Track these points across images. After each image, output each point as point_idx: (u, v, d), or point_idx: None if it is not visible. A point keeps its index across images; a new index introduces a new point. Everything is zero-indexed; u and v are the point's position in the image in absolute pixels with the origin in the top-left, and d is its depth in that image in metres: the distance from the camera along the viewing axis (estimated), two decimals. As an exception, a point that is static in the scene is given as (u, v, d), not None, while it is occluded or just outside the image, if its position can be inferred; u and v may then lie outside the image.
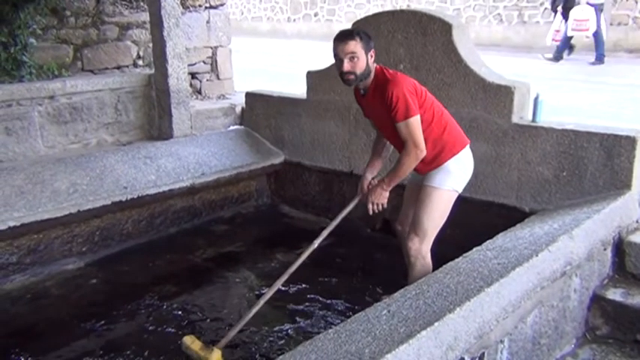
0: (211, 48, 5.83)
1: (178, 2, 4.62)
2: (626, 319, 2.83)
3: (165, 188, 4.19)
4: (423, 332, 1.91)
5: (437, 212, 2.86)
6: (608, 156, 3.19)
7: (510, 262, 2.41)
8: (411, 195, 3.08)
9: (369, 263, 3.88)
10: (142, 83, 4.78)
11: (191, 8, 5.58)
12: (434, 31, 3.71)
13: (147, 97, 4.82)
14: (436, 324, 1.95)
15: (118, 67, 5.25)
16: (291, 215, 4.89)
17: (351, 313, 2.90)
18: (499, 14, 12.62)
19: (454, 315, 2.02)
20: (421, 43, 3.79)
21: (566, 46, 10.13)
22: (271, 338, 3.04)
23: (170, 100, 4.66)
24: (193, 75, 5.67)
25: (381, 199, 2.89)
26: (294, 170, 4.90)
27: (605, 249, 2.95)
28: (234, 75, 6.12)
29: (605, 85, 7.55)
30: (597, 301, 2.91)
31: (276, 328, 3.12)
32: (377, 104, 2.79)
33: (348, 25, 3.88)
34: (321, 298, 3.42)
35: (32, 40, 4.55)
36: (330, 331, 1.99)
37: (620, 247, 3.03)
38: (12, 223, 3.50)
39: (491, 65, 3.77)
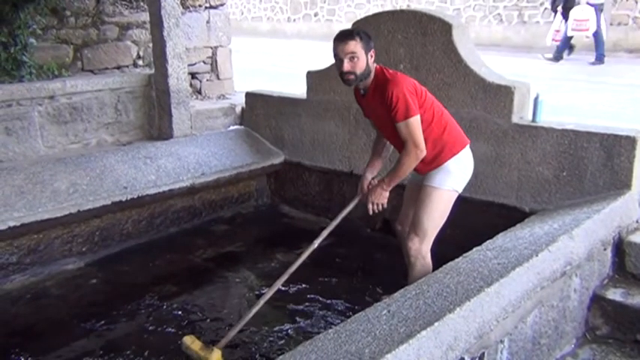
0: (211, 48, 5.83)
1: (178, 2, 4.62)
2: (626, 319, 2.83)
3: (165, 188, 4.19)
4: (423, 332, 1.91)
5: (437, 212, 2.86)
6: (608, 156, 3.19)
7: (510, 262, 2.41)
8: (411, 195, 3.08)
9: (369, 263, 3.88)
10: (142, 83, 4.78)
11: (191, 8, 5.58)
12: (434, 31, 3.71)
13: (147, 97, 4.81)
14: (436, 324, 1.95)
15: (118, 67, 5.26)
16: (291, 215, 4.89)
17: (351, 313, 2.90)
18: (499, 14, 12.62)
19: (454, 315, 2.02)
20: (421, 43, 3.79)
21: (566, 46, 10.14)
22: (271, 338, 3.04)
23: (170, 100, 4.66)
24: (193, 75, 5.67)
25: (381, 199, 2.89)
26: (294, 170, 4.90)
27: (605, 249, 2.95)
28: (234, 75, 6.12)
29: (605, 85, 7.56)
30: (597, 301, 2.91)
31: (276, 328, 3.12)
32: (377, 104, 2.79)
33: (348, 25, 3.88)
34: (321, 298, 3.42)
35: (32, 40, 4.55)
36: (330, 331, 1.99)
37: (620, 247, 3.03)
38: (12, 223, 3.49)
39: (491, 65, 3.77)
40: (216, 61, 5.88)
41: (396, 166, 2.80)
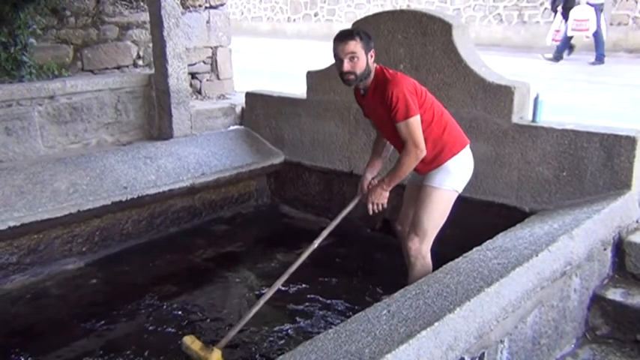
0: (211, 48, 5.83)
1: (178, 2, 4.62)
2: (626, 319, 2.82)
3: (165, 188, 4.19)
4: (423, 332, 1.91)
5: (437, 212, 2.86)
6: (608, 156, 3.19)
7: (510, 262, 2.41)
8: (411, 195, 3.08)
9: (369, 263, 3.88)
10: (142, 83, 4.78)
11: (191, 8, 5.58)
12: (434, 31, 3.71)
13: (147, 97, 4.81)
14: (436, 324, 1.95)
15: (118, 67, 5.26)
16: (291, 215, 4.89)
17: (351, 313, 2.90)
18: (499, 14, 12.62)
19: (454, 315, 2.02)
20: (421, 43, 3.79)
21: (566, 46, 10.14)
22: (271, 338, 3.04)
23: (170, 100, 4.66)
24: (193, 75, 5.67)
25: (381, 199, 2.89)
26: (294, 170, 4.89)
27: (605, 249, 2.95)
28: (234, 75, 6.12)
29: (605, 85, 7.55)
30: (597, 301, 2.91)
31: (276, 328, 3.12)
32: (377, 104, 2.79)
33: (348, 25, 3.88)
34: (321, 298, 3.42)
35: (32, 40, 4.54)
36: (330, 331, 1.99)
37: (620, 247, 3.03)
38: (12, 223, 3.49)
39: (491, 65, 3.77)
40: (216, 61, 5.88)
41: (396, 166, 2.80)
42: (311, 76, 4.59)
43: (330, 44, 2.74)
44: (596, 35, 9.64)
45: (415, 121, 2.68)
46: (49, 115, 4.31)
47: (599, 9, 9.61)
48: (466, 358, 2.06)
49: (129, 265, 3.96)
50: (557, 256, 2.54)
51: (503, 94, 3.50)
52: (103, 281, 3.75)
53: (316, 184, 4.78)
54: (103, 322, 3.23)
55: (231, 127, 5.20)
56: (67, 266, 3.88)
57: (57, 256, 3.86)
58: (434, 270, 2.64)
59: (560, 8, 10.24)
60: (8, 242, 3.63)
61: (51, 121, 4.33)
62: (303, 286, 3.51)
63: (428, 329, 1.92)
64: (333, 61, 2.83)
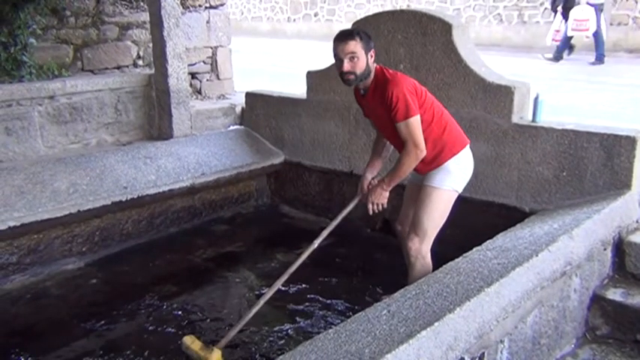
0: (211, 48, 5.84)
1: (178, 2, 4.62)
2: (626, 319, 2.82)
3: (165, 188, 4.19)
4: (423, 332, 1.91)
5: (437, 212, 2.86)
6: (608, 156, 3.19)
7: (510, 262, 2.41)
8: (411, 195, 3.08)
9: (369, 263, 3.88)
10: (142, 83, 4.78)
11: (191, 8, 5.58)
12: (434, 31, 3.71)
13: (147, 97, 4.81)
14: (436, 324, 1.95)
15: (118, 67, 5.26)
16: (291, 215, 4.89)
17: (351, 313, 2.90)
18: (499, 14, 12.62)
19: (454, 315, 2.02)
20: (421, 43, 3.79)
21: (566, 46, 10.14)
22: (271, 338, 3.04)
23: (170, 100, 4.66)
24: (193, 75, 5.67)
25: (381, 199, 2.89)
26: (294, 170, 4.89)
27: (605, 249, 2.95)
28: (234, 75, 6.12)
29: (605, 85, 7.55)
30: (597, 301, 2.91)
31: (276, 328, 3.12)
32: (377, 104, 2.79)
33: (348, 25, 3.88)
34: (321, 298, 3.42)
35: (32, 40, 4.54)
36: (330, 331, 1.99)
37: (620, 247, 3.03)
38: (12, 223, 3.49)
39: (491, 65, 3.77)
40: (216, 61, 5.88)
41: (396, 166, 2.80)
42: (311, 76, 4.59)
43: (330, 44, 2.74)
44: (596, 35, 9.65)
45: (415, 121, 2.68)
46: (49, 115, 4.31)
47: (599, 9, 9.61)
48: (466, 358, 2.06)
49: (129, 265, 3.96)
50: (557, 256, 2.54)
51: (503, 94, 3.50)
52: (103, 281, 3.75)
53: (316, 184, 4.78)
54: (103, 322, 3.23)
55: (231, 127, 5.20)
56: (67, 266, 3.88)
57: (57, 256, 3.86)
58: (434, 270, 2.64)
59: (560, 8, 10.24)
60: (8, 242, 3.63)
61: (51, 121, 4.33)
62: (303, 286, 3.51)
63: (428, 329, 1.92)
64: (333, 61, 2.83)
